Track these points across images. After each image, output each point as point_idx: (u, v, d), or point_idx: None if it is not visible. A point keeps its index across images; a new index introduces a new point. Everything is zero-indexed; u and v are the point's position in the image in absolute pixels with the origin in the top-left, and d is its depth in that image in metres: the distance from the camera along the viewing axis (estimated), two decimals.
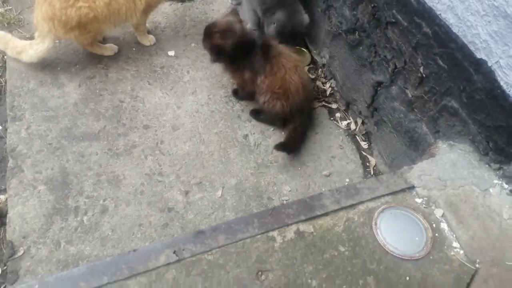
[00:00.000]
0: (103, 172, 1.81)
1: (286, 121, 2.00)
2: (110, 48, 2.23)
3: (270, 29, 2.20)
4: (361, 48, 1.90)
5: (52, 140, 1.88)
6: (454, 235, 1.26)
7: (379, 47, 1.76)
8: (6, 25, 2.30)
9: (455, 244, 1.24)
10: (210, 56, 1.97)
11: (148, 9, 2.13)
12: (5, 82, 2.07)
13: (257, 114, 2.10)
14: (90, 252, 1.58)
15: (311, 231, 1.27)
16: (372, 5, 1.75)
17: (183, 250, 1.20)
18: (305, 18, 2.22)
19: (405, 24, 1.57)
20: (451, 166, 1.42)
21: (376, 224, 1.27)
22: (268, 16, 2.21)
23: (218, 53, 1.90)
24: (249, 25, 2.38)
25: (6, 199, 1.70)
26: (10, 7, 2.41)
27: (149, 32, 2.35)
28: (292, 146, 1.96)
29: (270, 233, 1.40)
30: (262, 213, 1.56)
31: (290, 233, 1.29)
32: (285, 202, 1.81)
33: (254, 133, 2.05)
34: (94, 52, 2.19)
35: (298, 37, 2.32)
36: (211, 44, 1.91)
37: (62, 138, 1.90)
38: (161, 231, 1.66)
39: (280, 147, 1.91)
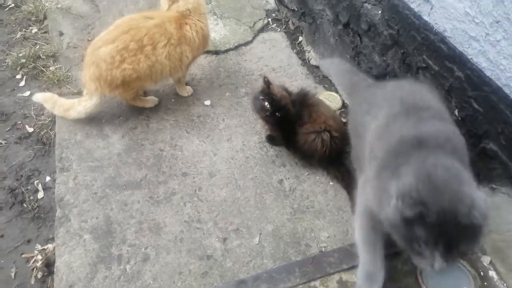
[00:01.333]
0: (145, 220, 1.86)
1: (323, 160, 2.04)
2: (151, 101, 2.35)
3: (389, 209, 1.01)
4: None
5: (97, 189, 1.97)
6: (505, 284, 1.20)
7: None
8: (56, 82, 2.49)
9: None
10: (261, 115, 2.06)
11: (192, 62, 2.27)
12: (54, 135, 2.21)
13: (273, 140, 2.18)
14: None
15: (355, 281, 1.24)
16: (402, 51, 1.79)
17: None
18: (478, 198, 0.97)
19: (437, 68, 1.59)
20: (495, 210, 1.38)
21: (421, 273, 1.23)
22: (385, 179, 1.10)
23: (279, 110, 1.99)
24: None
25: (54, 248, 1.77)
26: (60, 65, 2.61)
27: (186, 84, 2.47)
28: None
29: (312, 283, 1.38)
30: (303, 261, 1.55)
31: (332, 282, 1.27)
32: (323, 249, 1.78)
33: (288, 178, 2.06)
34: (136, 105, 2.32)
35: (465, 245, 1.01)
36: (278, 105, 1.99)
37: (107, 187, 1.98)
38: (201, 280, 1.66)
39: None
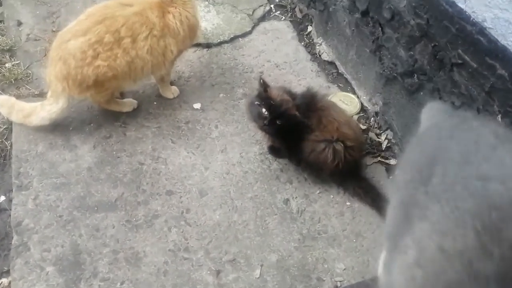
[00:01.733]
0: (121, 249, 1.86)
1: (336, 175, 2.06)
2: (128, 104, 2.37)
3: None
4: (422, 93, 1.94)
5: (63, 211, 1.97)
6: None
7: (444, 92, 1.80)
8: (13, 81, 2.50)
9: None
10: (259, 125, 2.06)
11: (178, 57, 2.29)
12: (11, 146, 2.22)
13: (276, 151, 2.20)
14: None
15: None
16: (433, 44, 1.81)
17: None
18: None
19: (475, 65, 1.61)
20: None
21: None
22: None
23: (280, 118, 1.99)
24: None
25: (10, 282, 1.76)
26: (18, 61, 2.62)
27: (171, 84, 2.49)
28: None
29: None
30: None
31: None
32: (339, 284, 1.79)
33: (296, 197, 2.07)
34: (111, 109, 2.33)
35: None
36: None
37: (74, 209, 1.98)
38: None
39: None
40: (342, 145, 2.01)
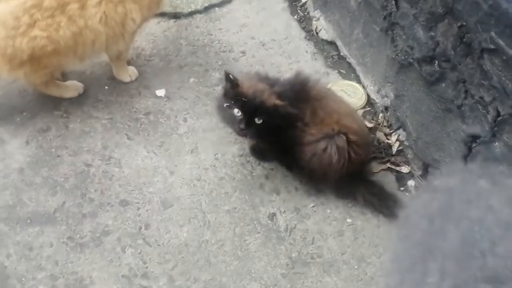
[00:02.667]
0: (61, 274, 1.85)
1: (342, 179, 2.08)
2: (72, 88, 2.36)
3: None
4: (443, 84, 1.97)
5: None
6: None
7: (472, 85, 1.83)
8: None
9: None
10: (235, 130, 2.06)
11: (140, 28, 2.27)
12: None
13: (260, 153, 2.23)
14: None
15: None
16: (459, 24, 1.84)
17: None
18: None
19: (510, 52, 1.64)
20: None
21: None
22: None
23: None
24: None
25: None
26: None
27: (128, 64, 2.48)
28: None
29: None
30: None
31: None
32: None
33: (284, 212, 2.09)
34: (49, 94, 2.31)
35: None
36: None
37: (1, 221, 1.96)
38: None
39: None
40: (345, 138, 2.02)
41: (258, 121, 1.96)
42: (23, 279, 1.83)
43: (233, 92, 1.98)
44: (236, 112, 1.96)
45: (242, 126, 1.97)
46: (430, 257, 0.99)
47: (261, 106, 1.95)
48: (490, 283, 0.88)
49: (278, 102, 1.96)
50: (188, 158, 2.22)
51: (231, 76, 1.99)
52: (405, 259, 1.09)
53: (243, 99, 1.95)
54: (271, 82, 2.05)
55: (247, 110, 1.95)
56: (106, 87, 2.44)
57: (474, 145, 1.90)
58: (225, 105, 2.00)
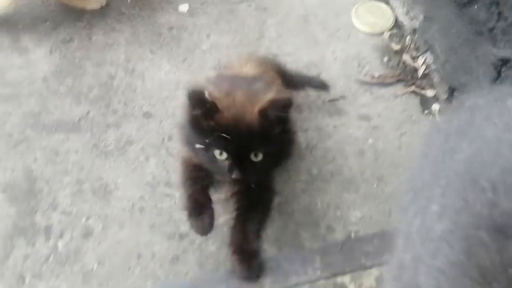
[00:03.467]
0: (86, 179, 1.92)
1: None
2: (94, 0, 2.35)
3: None
4: (476, 6, 1.95)
5: (13, 129, 2.01)
6: None
7: (506, 6, 1.81)
8: None
9: None
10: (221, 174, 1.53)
11: None
12: None
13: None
14: None
15: None
16: None
17: None
18: None
19: None
20: None
21: None
22: None
23: None
24: None
25: None
26: None
27: None
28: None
29: (339, 278, 1.47)
30: (326, 248, 1.63)
31: (369, 279, 1.35)
32: (353, 234, 1.87)
33: (306, 130, 2.12)
34: (72, 5, 2.32)
35: None
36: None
37: (27, 127, 2.02)
38: (170, 267, 1.75)
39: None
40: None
41: (255, 158, 1.42)
42: (50, 181, 1.90)
43: (208, 123, 1.39)
44: (219, 154, 1.40)
45: (236, 174, 1.41)
46: (436, 180, 0.90)
47: (253, 134, 1.38)
48: (495, 233, 0.70)
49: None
50: (211, 73, 2.22)
51: (206, 95, 1.38)
52: (418, 178, 1.03)
53: (225, 135, 1.36)
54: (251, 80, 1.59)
55: (235, 148, 1.39)
56: (129, 1, 2.44)
57: (504, 69, 1.90)
58: (196, 145, 1.44)
